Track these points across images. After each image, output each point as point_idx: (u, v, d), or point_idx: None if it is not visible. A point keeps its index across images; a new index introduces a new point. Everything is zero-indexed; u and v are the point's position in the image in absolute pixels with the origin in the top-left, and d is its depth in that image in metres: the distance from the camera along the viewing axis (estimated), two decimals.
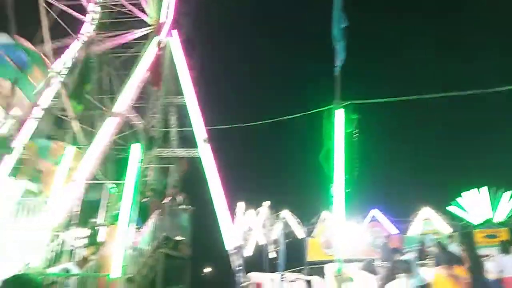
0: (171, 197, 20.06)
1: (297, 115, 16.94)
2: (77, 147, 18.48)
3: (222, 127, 19.48)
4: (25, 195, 16.26)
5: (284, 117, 17.26)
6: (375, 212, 28.14)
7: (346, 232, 13.57)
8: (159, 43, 21.29)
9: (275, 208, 27.11)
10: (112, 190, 19.47)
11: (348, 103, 15.30)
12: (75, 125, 19.01)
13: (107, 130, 18.90)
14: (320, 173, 15.69)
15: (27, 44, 15.90)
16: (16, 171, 16.64)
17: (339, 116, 15.42)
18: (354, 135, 15.34)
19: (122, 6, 22.78)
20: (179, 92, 23.98)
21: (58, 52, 20.12)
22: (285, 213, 27.33)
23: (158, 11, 22.88)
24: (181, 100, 23.82)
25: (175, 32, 23.42)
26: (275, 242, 24.69)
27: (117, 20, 23.22)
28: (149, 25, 22.61)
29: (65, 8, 21.33)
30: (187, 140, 24.25)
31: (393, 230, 27.17)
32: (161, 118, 23.65)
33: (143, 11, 22.83)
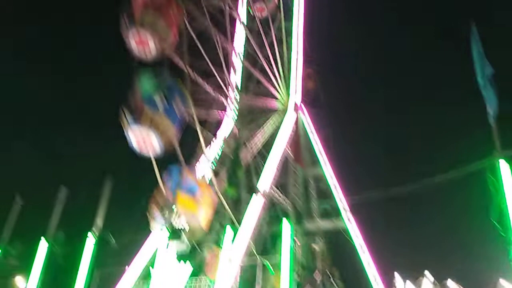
0: (321, 272, 19.54)
1: (452, 175, 15.55)
2: (232, 228, 19.60)
3: (367, 195, 18.81)
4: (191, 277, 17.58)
5: (436, 178, 15.96)
6: None
7: None
8: (292, 120, 22.52)
9: (436, 278, 24.14)
10: (266, 267, 19.82)
11: None
12: (228, 208, 20.46)
13: (255, 209, 19.84)
14: (493, 235, 13.81)
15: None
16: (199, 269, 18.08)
17: (505, 168, 13.77)
18: None
19: (256, 95, 25.12)
20: (316, 164, 24.34)
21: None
22: (451, 284, 24.05)
23: (288, 91, 24.56)
24: (319, 172, 24.08)
25: (305, 108, 24.61)
26: None
27: (253, 108, 25.58)
28: (281, 105, 24.27)
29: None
30: (330, 212, 24.00)
31: None
32: (302, 192, 24.04)
33: (273, 95, 24.78)
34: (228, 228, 17.59)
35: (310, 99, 25.54)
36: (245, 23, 26.87)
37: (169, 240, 16.14)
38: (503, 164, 13.51)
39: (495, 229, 13.45)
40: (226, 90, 24.68)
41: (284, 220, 15.65)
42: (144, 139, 15.56)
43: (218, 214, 22.81)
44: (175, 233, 16.02)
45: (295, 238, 21.68)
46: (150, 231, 19.11)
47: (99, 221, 20.94)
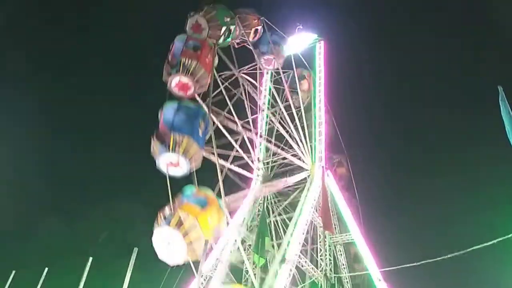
0: None
1: (491, 242, 14.59)
2: None
3: (400, 267, 17.72)
4: None
5: (475, 247, 14.97)
6: None
7: None
8: (318, 186, 22.21)
9: None
10: None
11: None
12: (252, 277, 19.68)
13: (282, 279, 18.97)
14: None
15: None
16: None
17: None
18: None
19: (282, 159, 25.21)
20: (345, 230, 23.61)
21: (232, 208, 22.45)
22: None
23: (312, 157, 24.52)
24: (348, 238, 23.25)
25: (329, 173, 24.37)
26: None
27: (279, 171, 25.56)
28: (306, 170, 24.12)
29: (235, 168, 24.53)
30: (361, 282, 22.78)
31: None
32: (330, 259, 23.05)
33: (299, 158, 24.74)
34: None
35: (344, 185, 25.50)
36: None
37: None
38: None
39: None
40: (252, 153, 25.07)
41: None
42: (172, 163, 16.10)
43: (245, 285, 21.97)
44: None
45: None
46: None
47: None
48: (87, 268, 20.95)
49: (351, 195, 25.72)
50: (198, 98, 19.97)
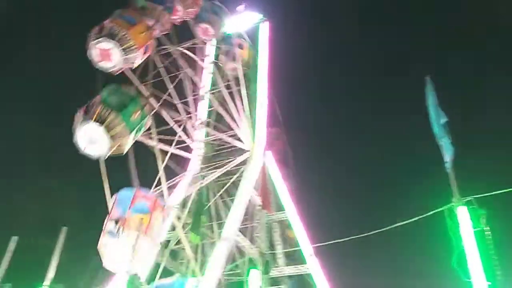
0: None
1: (413, 219, 15.96)
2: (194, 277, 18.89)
3: (331, 242, 18.85)
4: None
5: (399, 223, 16.30)
6: None
7: None
8: (258, 166, 22.60)
9: None
10: None
11: (470, 198, 14.30)
12: (190, 256, 19.77)
13: (220, 257, 19.27)
14: (456, 281, 14.13)
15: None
16: None
17: (463, 214, 14.35)
18: (486, 233, 13.94)
19: (222, 139, 25.18)
20: (280, 208, 24.37)
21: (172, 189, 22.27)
22: None
23: (253, 137, 24.75)
24: (283, 216, 24.07)
25: (269, 153, 24.80)
26: None
27: (218, 152, 25.52)
28: (246, 151, 24.33)
29: (176, 151, 24.18)
30: (294, 257, 23.86)
31: None
32: (266, 237, 23.75)
33: (239, 139, 24.88)
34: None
35: (279, 158, 25.96)
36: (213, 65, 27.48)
37: None
38: (461, 210, 14.08)
39: (456, 274, 13.83)
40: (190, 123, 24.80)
41: (252, 270, 15.26)
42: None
43: (180, 262, 22.03)
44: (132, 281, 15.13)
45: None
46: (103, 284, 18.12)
47: (50, 273, 19.80)
48: (11, 248, 19.84)
49: (288, 170, 26.39)
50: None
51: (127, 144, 16.45)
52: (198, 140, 25.42)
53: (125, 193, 15.66)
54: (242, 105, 25.24)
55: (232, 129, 25.00)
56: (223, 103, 25.79)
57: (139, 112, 16.71)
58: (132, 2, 18.64)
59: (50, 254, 19.53)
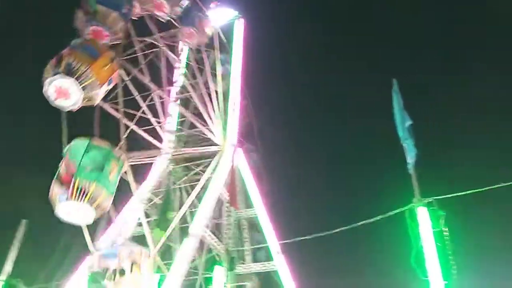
0: None
1: (375, 218, 16.33)
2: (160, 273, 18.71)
3: (298, 239, 19.07)
4: None
5: (362, 222, 16.65)
6: None
7: None
8: (228, 162, 22.56)
9: None
10: None
11: (430, 199, 14.74)
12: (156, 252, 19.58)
13: (186, 254, 19.16)
14: (414, 279, 14.55)
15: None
16: None
17: (423, 214, 14.78)
18: (445, 233, 14.41)
19: (193, 127, 25.02)
20: (250, 205, 24.45)
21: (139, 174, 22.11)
22: None
23: (224, 131, 24.74)
24: (252, 213, 24.18)
25: (240, 150, 24.82)
26: None
27: (188, 140, 25.38)
28: (217, 145, 24.28)
29: (144, 134, 23.78)
30: (262, 254, 24.02)
31: None
32: (234, 234, 23.79)
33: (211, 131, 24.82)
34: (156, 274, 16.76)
35: (244, 133, 25.92)
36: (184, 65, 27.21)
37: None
38: (421, 211, 14.51)
39: (415, 272, 14.24)
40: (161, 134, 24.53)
41: (217, 266, 15.25)
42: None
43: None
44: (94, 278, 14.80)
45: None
46: (64, 280, 17.73)
47: (8, 267, 19.24)
48: None
49: (258, 167, 26.47)
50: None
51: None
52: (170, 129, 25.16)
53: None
54: (217, 99, 25.21)
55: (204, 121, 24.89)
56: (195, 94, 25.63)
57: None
58: (85, 5, 17.46)
59: (8, 248, 18.93)
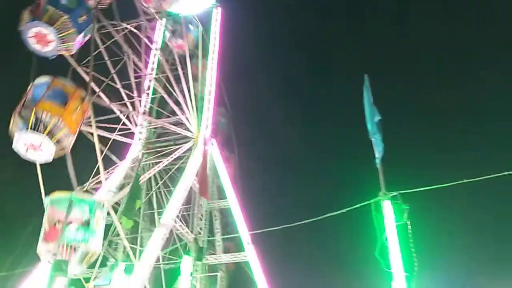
0: None
1: (342, 211, 16.61)
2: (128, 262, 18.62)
3: (268, 230, 19.23)
4: None
5: (330, 214, 16.92)
6: None
7: None
8: (201, 153, 22.48)
9: None
10: None
11: (395, 193, 15.07)
12: (126, 242, 19.43)
13: (155, 243, 19.06)
14: (378, 271, 14.92)
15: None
16: None
17: (388, 208, 15.12)
18: (408, 227, 14.79)
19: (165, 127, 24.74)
20: (222, 197, 24.50)
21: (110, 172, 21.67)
22: None
23: (198, 125, 24.52)
24: (224, 204, 24.25)
25: (214, 141, 24.75)
26: None
27: (161, 138, 25.09)
28: (191, 138, 24.07)
29: (118, 137, 23.48)
30: (233, 245, 24.19)
31: None
32: (206, 224, 23.83)
33: (184, 125, 24.54)
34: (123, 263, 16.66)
35: (222, 139, 25.89)
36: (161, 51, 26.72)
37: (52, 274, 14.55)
38: (386, 204, 14.83)
39: (379, 264, 14.61)
40: (134, 113, 24.11)
41: (185, 256, 15.26)
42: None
43: (113, 246, 21.58)
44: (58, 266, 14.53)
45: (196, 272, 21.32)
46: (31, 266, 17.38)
47: None
48: None
49: (231, 158, 26.51)
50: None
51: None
52: (140, 125, 24.79)
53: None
54: (188, 89, 24.87)
55: (176, 115, 24.56)
56: (168, 87, 25.23)
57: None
58: (40, 10, 15.91)
59: None
